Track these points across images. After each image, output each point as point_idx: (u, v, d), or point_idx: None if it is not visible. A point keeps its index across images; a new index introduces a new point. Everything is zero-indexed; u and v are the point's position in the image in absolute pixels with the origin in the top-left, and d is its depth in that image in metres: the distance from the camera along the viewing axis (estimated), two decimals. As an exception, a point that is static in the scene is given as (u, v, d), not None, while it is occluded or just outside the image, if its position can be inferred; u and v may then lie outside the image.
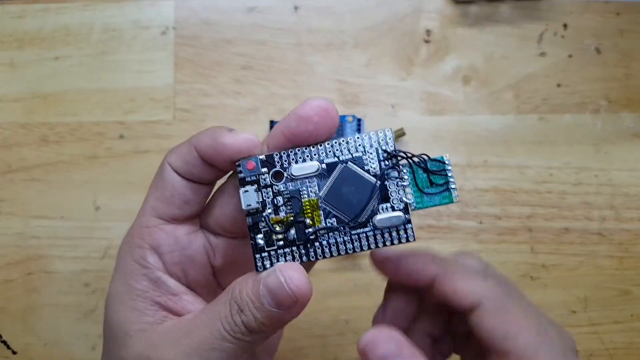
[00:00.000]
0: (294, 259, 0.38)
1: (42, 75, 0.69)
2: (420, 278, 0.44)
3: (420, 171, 0.38)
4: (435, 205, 0.38)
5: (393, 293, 0.47)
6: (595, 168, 0.68)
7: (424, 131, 0.69)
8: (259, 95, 0.69)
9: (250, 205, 0.37)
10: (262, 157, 0.38)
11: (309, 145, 0.38)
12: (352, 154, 0.38)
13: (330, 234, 0.37)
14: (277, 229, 0.38)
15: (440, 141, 0.69)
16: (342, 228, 0.37)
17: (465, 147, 0.69)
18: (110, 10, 0.70)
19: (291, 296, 0.36)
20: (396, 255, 0.43)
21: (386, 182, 0.38)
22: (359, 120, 0.68)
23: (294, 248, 0.38)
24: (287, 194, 0.38)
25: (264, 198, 0.38)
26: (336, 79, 0.70)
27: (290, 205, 0.38)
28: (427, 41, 0.70)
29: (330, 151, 0.38)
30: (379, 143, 0.38)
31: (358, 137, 0.38)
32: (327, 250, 0.38)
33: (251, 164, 0.38)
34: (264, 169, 0.38)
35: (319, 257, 0.38)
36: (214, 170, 0.40)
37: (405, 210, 0.38)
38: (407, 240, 0.38)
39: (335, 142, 0.38)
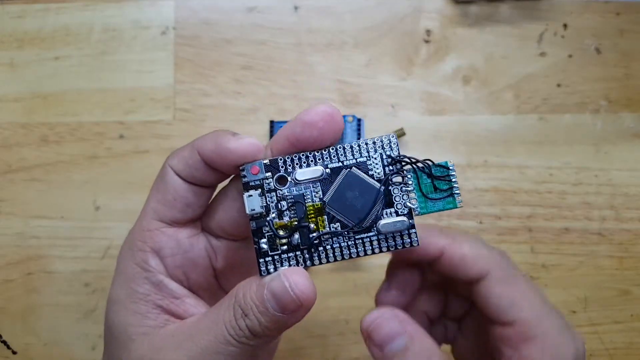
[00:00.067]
0: (297, 263, 0.38)
1: (42, 75, 0.69)
2: (428, 250, 0.44)
3: (424, 176, 0.38)
4: (439, 210, 0.38)
5: (396, 270, 0.48)
6: (595, 168, 0.68)
7: (424, 131, 0.69)
8: (259, 95, 0.69)
9: (254, 209, 0.37)
10: (266, 161, 0.38)
11: (313, 150, 0.38)
12: (356, 159, 0.38)
13: (334, 238, 0.37)
14: (281, 233, 0.38)
15: (440, 141, 0.69)
16: (346, 233, 0.37)
17: (465, 147, 0.69)
18: (110, 10, 0.70)
19: (296, 301, 0.36)
20: None
21: (390, 187, 0.38)
22: (359, 120, 0.68)
23: (298, 252, 0.38)
24: (291, 198, 0.38)
25: (268, 202, 0.38)
26: (336, 79, 0.70)
27: (294, 210, 0.38)
28: (427, 41, 0.70)
29: (334, 156, 0.38)
30: (383, 148, 0.38)
31: (362, 142, 0.38)
32: (331, 254, 0.38)
33: (255, 169, 0.37)
34: (268, 174, 0.38)
35: (322, 262, 0.38)
36: (217, 174, 0.40)
37: (409, 215, 0.38)
38: (411, 245, 0.38)
39: (340, 147, 0.38)
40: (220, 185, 0.43)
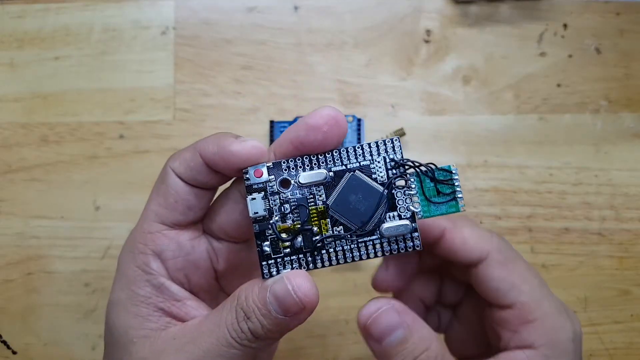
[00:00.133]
0: (300, 266, 0.38)
1: (42, 75, 0.69)
2: (430, 231, 0.44)
3: (428, 180, 0.38)
4: (441, 214, 0.39)
5: None
6: (595, 168, 0.68)
7: (424, 131, 0.69)
8: (259, 95, 0.69)
9: (257, 212, 0.37)
10: (270, 164, 0.38)
11: (316, 154, 0.38)
12: (359, 162, 0.38)
13: (337, 242, 0.37)
14: (284, 236, 0.37)
15: (440, 141, 0.69)
16: (349, 236, 0.37)
17: (465, 147, 0.69)
18: (110, 10, 0.70)
19: (298, 303, 0.36)
20: None
21: (393, 191, 0.38)
22: (359, 120, 0.68)
23: (301, 255, 0.38)
24: (295, 201, 0.38)
25: (271, 205, 0.38)
26: (336, 79, 0.70)
27: (297, 213, 0.38)
28: (427, 41, 0.70)
29: (337, 159, 0.38)
30: (386, 151, 0.38)
31: (366, 146, 0.38)
32: (333, 258, 0.38)
33: (259, 172, 0.37)
34: (272, 177, 0.38)
35: (325, 265, 0.38)
36: (219, 176, 0.40)
37: (412, 219, 0.38)
38: (414, 249, 0.38)
39: (343, 150, 0.38)
40: (221, 188, 0.43)
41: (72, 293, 0.67)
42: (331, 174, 0.38)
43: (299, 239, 0.37)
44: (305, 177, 0.37)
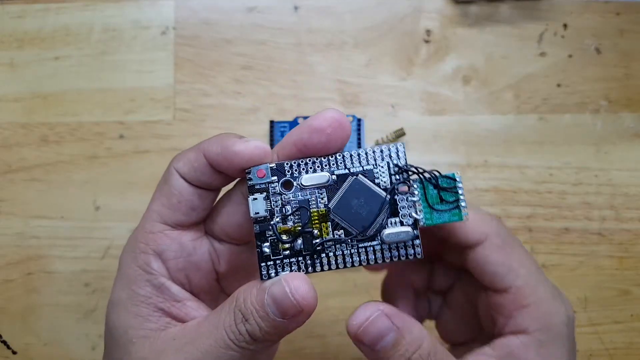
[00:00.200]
0: (299, 269, 0.37)
1: (42, 75, 0.69)
2: None
3: (431, 187, 0.38)
4: (444, 222, 0.38)
5: None
6: (595, 168, 0.68)
7: (424, 131, 0.69)
8: (259, 95, 0.69)
9: (258, 213, 0.37)
10: (273, 165, 0.38)
11: (320, 156, 0.38)
12: (363, 167, 0.38)
13: (338, 246, 0.37)
14: (284, 238, 0.37)
15: (440, 141, 0.69)
16: (349, 241, 0.37)
17: (465, 147, 0.69)
18: (110, 10, 0.70)
19: (296, 306, 0.36)
20: None
21: (396, 197, 0.38)
22: (359, 120, 0.68)
23: (300, 258, 0.37)
24: (296, 203, 0.37)
25: (273, 206, 0.37)
26: (336, 79, 0.70)
27: (298, 215, 0.37)
28: (427, 41, 0.70)
29: (341, 162, 0.38)
30: (390, 157, 0.38)
31: (370, 150, 0.38)
32: (333, 262, 0.37)
33: (261, 172, 0.37)
34: (274, 178, 0.37)
35: (324, 269, 0.37)
36: (222, 177, 0.40)
37: (414, 225, 0.37)
38: (415, 257, 0.38)
39: (347, 154, 0.38)
40: (224, 190, 0.43)
41: (72, 293, 0.67)
42: (334, 177, 0.37)
43: (299, 241, 0.37)
44: (307, 179, 0.37)
